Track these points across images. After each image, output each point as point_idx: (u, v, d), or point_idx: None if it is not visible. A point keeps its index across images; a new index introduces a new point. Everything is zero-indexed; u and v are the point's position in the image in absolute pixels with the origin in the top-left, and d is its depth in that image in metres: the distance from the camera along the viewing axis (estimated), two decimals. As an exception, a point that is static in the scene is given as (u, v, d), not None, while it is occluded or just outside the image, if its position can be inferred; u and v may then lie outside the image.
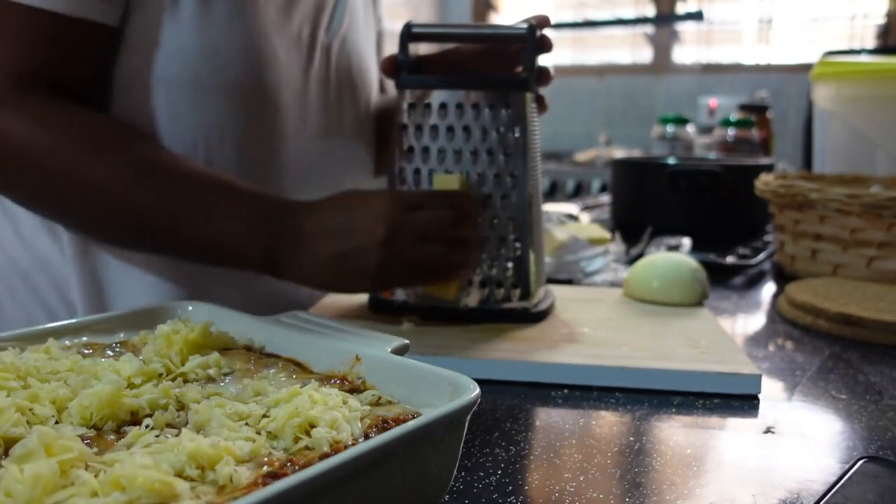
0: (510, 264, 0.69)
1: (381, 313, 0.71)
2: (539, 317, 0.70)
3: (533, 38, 0.67)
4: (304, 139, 0.77)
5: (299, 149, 0.77)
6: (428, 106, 0.68)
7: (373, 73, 0.88)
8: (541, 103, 0.72)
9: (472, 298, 0.69)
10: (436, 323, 0.68)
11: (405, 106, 0.68)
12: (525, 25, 0.68)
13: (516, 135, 0.67)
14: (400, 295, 0.71)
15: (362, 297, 0.76)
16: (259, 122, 0.72)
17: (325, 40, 0.79)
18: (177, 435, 0.33)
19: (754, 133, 1.90)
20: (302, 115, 0.77)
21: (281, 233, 0.62)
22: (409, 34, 0.69)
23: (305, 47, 0.76)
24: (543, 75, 0.69)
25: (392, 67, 0.69)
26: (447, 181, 0.67)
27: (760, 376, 0.56)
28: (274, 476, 0.30)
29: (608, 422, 0.52)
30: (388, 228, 0.60)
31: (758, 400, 0.56)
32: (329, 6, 0.79)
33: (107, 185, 0.61)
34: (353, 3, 0.84)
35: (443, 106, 0.68)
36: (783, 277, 1.00)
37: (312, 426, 0.34)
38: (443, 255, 0.62)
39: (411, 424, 0.32)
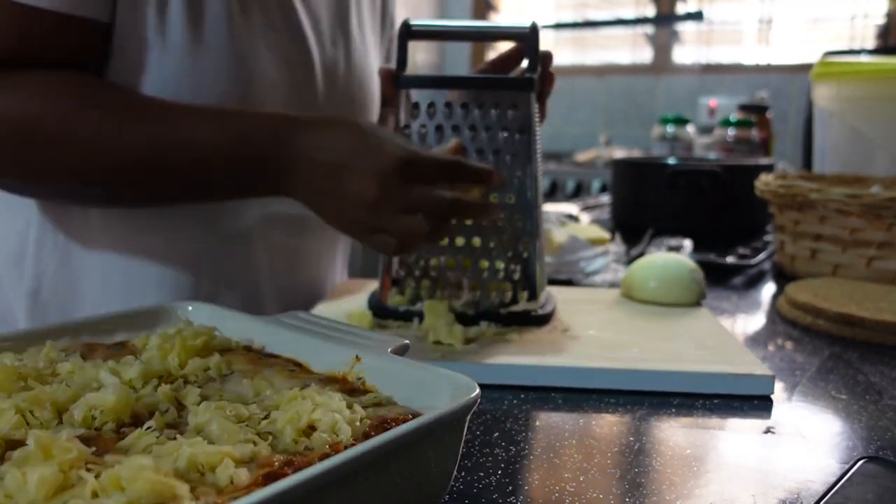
0: (516, 266, 0.69)
1: (383, 319, 0.69)
2: (545, 319, 0.69)
3: (535, 37, 0.67)
4: None
5: None
6: (431, 105, 0.68)
7: (376, 90, 0.87)
8: (542, 107, 0.71)
9: (476, 303, 0.69)
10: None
11: (408, 106, 0.68)
12: (527, 24, 0.67)
13: (521, 135, 0.67)
14: (401, 304, 0.70)
15: (363, 299, 0.76)
16: None
17: (325, 58, 0.77)
18: (176, 437, 0.33)
19: (754, 133, 1.90)
20: None
21: (281, 154, 0.61)
22: (409, 32, 0.69)
23: (302, 65, 0.74)
24: (546, 81, 0.69)
25: (390, 78, 0.68)
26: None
27: (773, 377, 0.56)
28: (274, 476, 0.30)
29: (608, 422, 0.52)
30: (381, 194, 0.58)
31: (758, 400, 0.56)
32: (328, 22, 0.77)
33: (119, 139, 0.61)
34: (360, 18, 0.82)
35: (448, 105, 0.67)
36: (783, 277, 1.00)
37: (313, 428, 0.34)
38: (416, 232, 0.60)
39: (411, 424, 0.32)
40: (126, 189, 0.65)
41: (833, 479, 0.43)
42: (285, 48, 0.72)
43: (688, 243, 1.08)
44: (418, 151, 0.60)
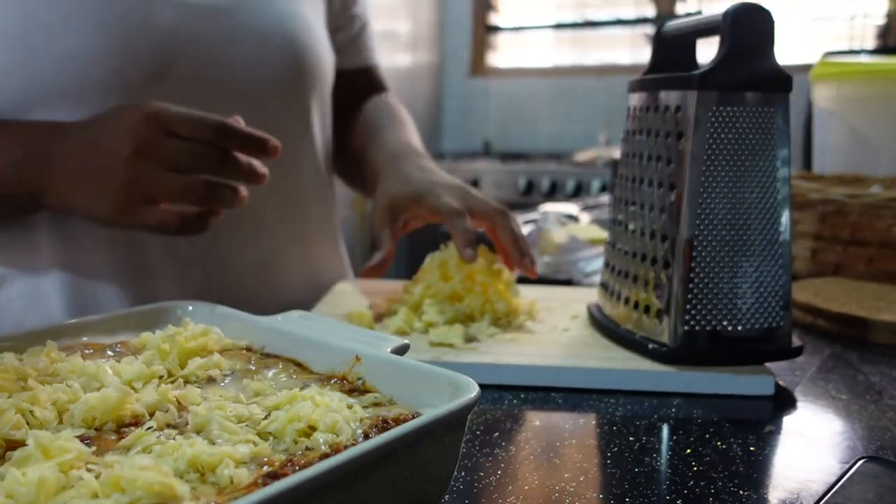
0: (660, 295, 0.59)
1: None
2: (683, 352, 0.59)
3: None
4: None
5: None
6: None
7: (313, 51, 0.79)
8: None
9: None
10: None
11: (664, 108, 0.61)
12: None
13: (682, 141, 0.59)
14: None
15: (363, 299, 0.76)
16: None
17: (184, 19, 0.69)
18: (175, 437, 0.33)
19: (754, 133, 1.90)
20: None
21: (36, 159, 0.58)
22: (660, 34, 0.66)
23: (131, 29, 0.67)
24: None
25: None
26: None
27: (773, 377, 0.56)
28: (274, 476, 0.30)
29: (608, 422, 0.52)
30: (135, 147, 0.55)
31: (758, 400, 0.56)
32: None
33: None
34: None
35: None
36: (783, 277, 1.00)
37: (313, 428, 0.34)
38: (190, 191, 0.57)
39: (411, 424, 0.32)
40: None
41: (833, 478, 0.43)
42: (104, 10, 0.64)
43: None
44: (175, 108, 0.57)
